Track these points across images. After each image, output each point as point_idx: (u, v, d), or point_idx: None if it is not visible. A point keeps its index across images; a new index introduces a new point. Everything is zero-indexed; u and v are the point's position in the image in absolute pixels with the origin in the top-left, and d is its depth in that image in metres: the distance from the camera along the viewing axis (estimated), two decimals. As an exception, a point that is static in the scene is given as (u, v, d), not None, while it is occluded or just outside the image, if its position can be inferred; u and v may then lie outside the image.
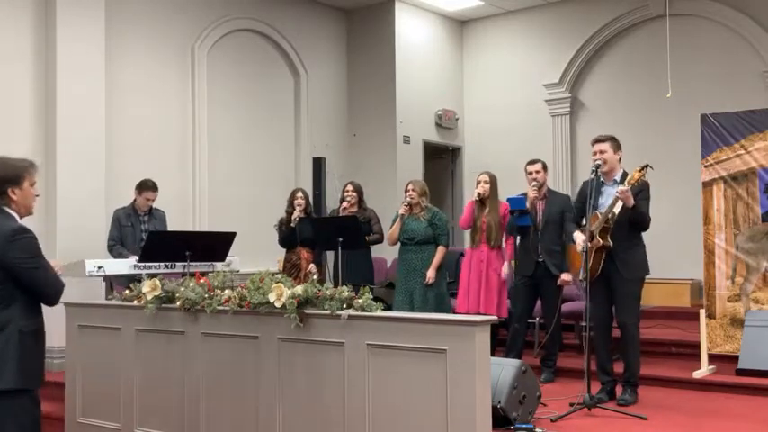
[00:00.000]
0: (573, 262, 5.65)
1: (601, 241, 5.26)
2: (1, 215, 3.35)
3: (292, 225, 7.24)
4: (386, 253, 7.67)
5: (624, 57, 9.67)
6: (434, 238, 6.57)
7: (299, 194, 7.36)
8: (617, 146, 5.49)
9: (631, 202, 5.18)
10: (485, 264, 6.43)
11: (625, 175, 5.41)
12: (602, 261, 5.31)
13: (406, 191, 6.68)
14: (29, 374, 3.34)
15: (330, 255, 7.10)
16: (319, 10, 10.05)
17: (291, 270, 7.27)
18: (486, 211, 6.50)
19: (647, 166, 5.24)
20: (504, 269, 6.44)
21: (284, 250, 7.51)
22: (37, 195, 3.53)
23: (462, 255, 6.94)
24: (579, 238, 5.40)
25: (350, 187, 7.31)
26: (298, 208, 7.26)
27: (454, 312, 6.48)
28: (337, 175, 9.84)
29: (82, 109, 7.28)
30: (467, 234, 7.01)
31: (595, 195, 5.38)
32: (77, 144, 7.19)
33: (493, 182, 6.56)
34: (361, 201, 7.29)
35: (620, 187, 5.18)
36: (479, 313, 6.09)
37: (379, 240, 7.06)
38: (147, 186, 6.85)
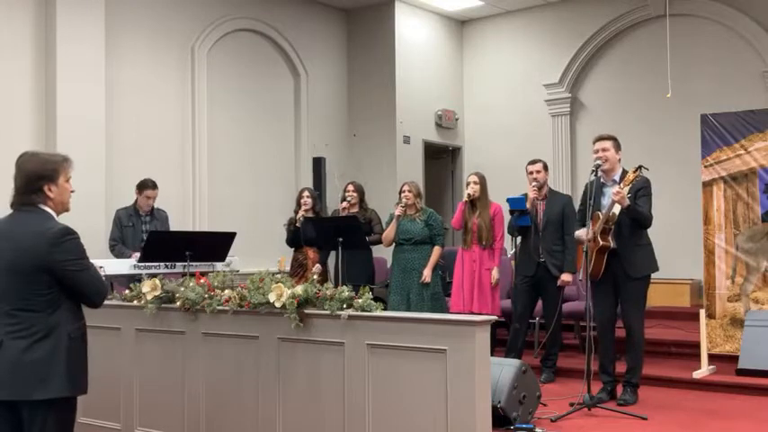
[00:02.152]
0: (578, 262, 5.67)
1: (601, 242, 5.26)
2: (40, 214, 3.19)
3: (297, 225, 7.25)
4: (386, 253, 7.66)
5: (624, 57, 9.66)
6: (430, 238, 6.59)
7: (306, 194, 7.35)
8: (618, 145, 5.51)
9: (626, 203, 5.19)
10: (477, 263, 6.44)
11: (624, 173, 5.42)
12: (605, 262, 5.31)
13: (402, 192, 6.69)
14: (77, 382, 3.21)
15: (332, 255, 7.07)
16: (319, 10, 10.05)
17: (298, 269, 7.29)
18: (477, 212, 6.51)
19: (640, 167, 5.25)
20: (494, 274, 6.43)
21: (290, 250, 7.53)
22: (72, 191, 3.34)
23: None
24: (582, 233, 5.40)
25: (351, 187, 7.29)
26: (303, 207, 7.26)
27: (448, 312, 6.49)
28: (337, 175, 9.83)
29: (82, 109, 7.28)
30: (459, 233, 7.01)
31: (596, 196, 5.38)
32: (77, 144, 7.16)
33: (482, 182, 6.56)
34: (362, 201, 7.27)
35: (615, 188, 5.19)
36: (473, 312, 6.11)
37: (381, 241, 7.06)
38: (146, 185, 6.85)
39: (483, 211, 6.49)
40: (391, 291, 6.64)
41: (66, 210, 3.34)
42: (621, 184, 5.22)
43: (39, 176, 3.20)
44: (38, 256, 3.09)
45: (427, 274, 6.47)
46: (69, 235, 3.16)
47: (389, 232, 6.69)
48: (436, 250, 6.59)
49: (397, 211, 6.63)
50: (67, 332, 3.16)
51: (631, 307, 5.42)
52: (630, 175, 5.21)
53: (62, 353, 3.13)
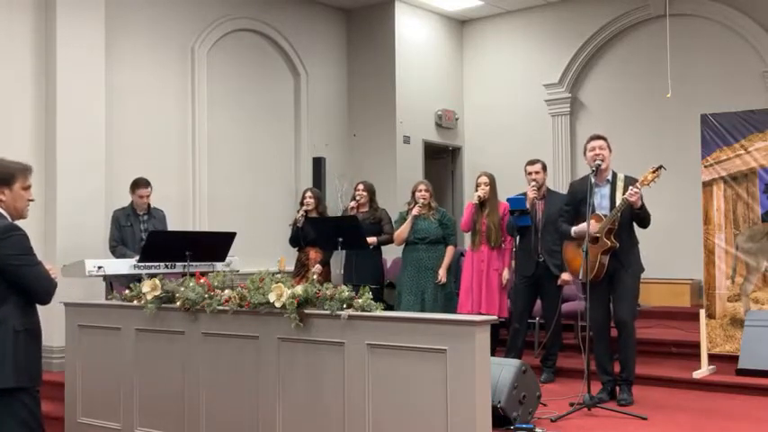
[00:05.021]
0: (570, 262, 5.64)
1: (609, 243, 5.26)
2: None
3: (298, 225, 7.25)
4: (386, 253, 7.66)
5: (624, 57, 9.66)
6: (444, 237, 6.61)
7: (308, 194, 7.36)
8: (610, 147, 5.52)
9: (639, 203, 5.21)
10: (485, 264, 6.45)
11: (614, 175, 5.43)
12: (608, 262, 5.31)
13: (418, 191, 6.69)
14: (25, 373, 3.33)
15: (342, 255, 7.01)
16: (319, 10, 10.05)
17: (300, 269, 7.30)
18: (486, 212, 6.51)
19: (660, 167, 5.25)
20: (505, 274, 6.45)
21: (292, 249, 7.55)
22: (31, 200, 3.48)
23: (463, 255, 6.95)
24: (583, 227, 5.29)
25: (361, 186, 7.28)
26: (304, 207, 7.26)
27: (456, 312, 6.49)
28: (337, 175, 9.84)
29: (82, 109, 7.27)
30: (467, 234, 7.01)
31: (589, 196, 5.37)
32: (77, 144, 7.18)
33: (492, 182, 6.57)
34: (372, 200, 7.26)
35: (633, 189, 5.18)
36: (480, 313, 6.10)
37: (391, 241, 6.99)
38: (138, 184, 6.87)
39: (492, 211, 6.49)
40: (404, 290, 6.63)
41: (22, 216, 3.50)
42: (639, 184, 5.22)
43: None
44: None
45: (442, 275, 6.52)
46: (14, 231, 3.30)
47: (403, 231, 6.68)
48: (450, 250, 6.63)
49: (415, 211, 6.63)
50: (13, 326, 3.28)
51: (627, 303, 5.42)
52: (649, 175, 5.22)
53: (8, 346, 3.27)
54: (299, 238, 7.30)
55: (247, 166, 9.12)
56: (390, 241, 6.98)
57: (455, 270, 6.92)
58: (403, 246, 6.80)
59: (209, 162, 8.66)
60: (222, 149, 8.84)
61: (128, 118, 7.93)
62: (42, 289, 3.37)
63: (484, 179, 6.57)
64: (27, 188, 3.44)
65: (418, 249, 6.63)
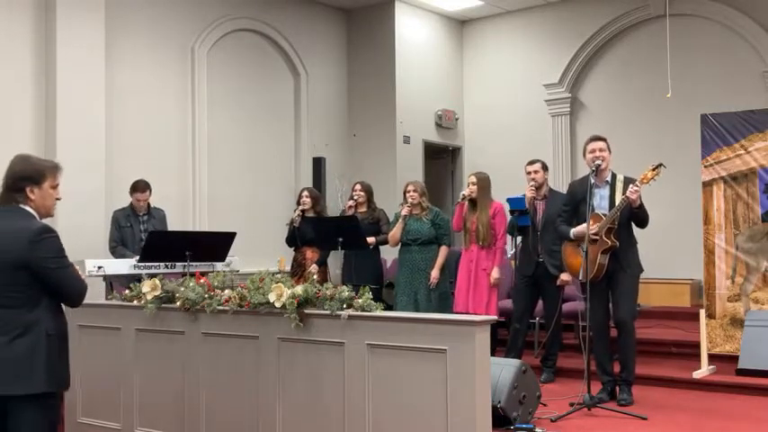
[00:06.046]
0: (571, 263, 5.63)
1: (609, 242, 5.27)
2: (19, 213, 3.26)
3: (295, 225, 7.26)
4: (386, 253, 7.67)
5: (624, 57, 9.66)
6: (437, 238, 6.60)
7: (305, 194, 7.35)
8: (609, 148, 5.52)
9: (638, 202, 5.21)
10: (474, 263, 6.44)
11: (614, 176, 5.44)
12: (607, 262, 5.32)
13: (407, 192, 6.68)
14: (57, 377, 3.26)
15: (340, 255, 6.99)
16: (319, 10, 10.05)
17: (297, 269, 7.29)
18: (477, 212, 6.51)
19: (660, 165, 5.25)
20: (494, 274, 6.37)
21: (291, 249, 7.54)
22: (58, 198, 3.42)
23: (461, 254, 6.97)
24: (583, 228, 5.31)
25: (358, 186, 7.28)
26: (300, 207, 7.26)
27: (452, 312, 6.49)
28: (337, 175, 9.84)
29: (82, 109, 7.28)
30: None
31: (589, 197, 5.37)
32: (77, 144, 7.18)
33: (482, 183, 6.53)
34: (370, 201, 7.26)
35: (634, 187, 5.19)
36: (468, 312, 6.10)
37: (387, 241, 7.03)
38: (135, 188, 6.89)
39: (482, 210, 6.48)
40: (398, 291, 6.64)
41: (50, 215, 3.42)
42: (639, 182, 5.23)
43: (23, 177, 3.28)
44: (17, 253, 3.14)
45: (435, 276, 6.50)
46: (48, 233, 3.22)
47: (396, 232, 6.69)
48: (443, 250, 6.61)
49: (404, 211, 6.63)
50: (46, 329, 3.21)
51: (626, 304, 5.43)
52: (649, 173, 5.22)
53: (41, 350, 3.19)
54: (296, 238, 7.30)
55: (247, 166, 9.12)
56: (387, 241, 6.98)
57: (453, 269, 6.92)
58: (399, 246, 6.81)
59: (209, 162, 8.67)
60: (222, 149, 8.84)
61: (128, 118, 7.93)
62: (75, 291, 3.30)
63: (472, 179, 6.58)
64: (55, 186, 3.38)
65: (411, 251, 6.63)
